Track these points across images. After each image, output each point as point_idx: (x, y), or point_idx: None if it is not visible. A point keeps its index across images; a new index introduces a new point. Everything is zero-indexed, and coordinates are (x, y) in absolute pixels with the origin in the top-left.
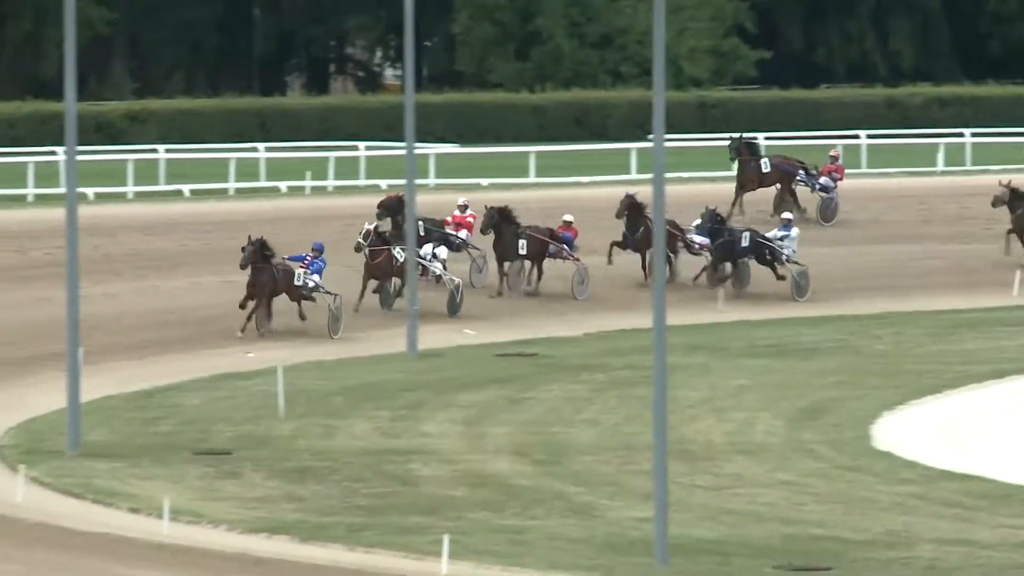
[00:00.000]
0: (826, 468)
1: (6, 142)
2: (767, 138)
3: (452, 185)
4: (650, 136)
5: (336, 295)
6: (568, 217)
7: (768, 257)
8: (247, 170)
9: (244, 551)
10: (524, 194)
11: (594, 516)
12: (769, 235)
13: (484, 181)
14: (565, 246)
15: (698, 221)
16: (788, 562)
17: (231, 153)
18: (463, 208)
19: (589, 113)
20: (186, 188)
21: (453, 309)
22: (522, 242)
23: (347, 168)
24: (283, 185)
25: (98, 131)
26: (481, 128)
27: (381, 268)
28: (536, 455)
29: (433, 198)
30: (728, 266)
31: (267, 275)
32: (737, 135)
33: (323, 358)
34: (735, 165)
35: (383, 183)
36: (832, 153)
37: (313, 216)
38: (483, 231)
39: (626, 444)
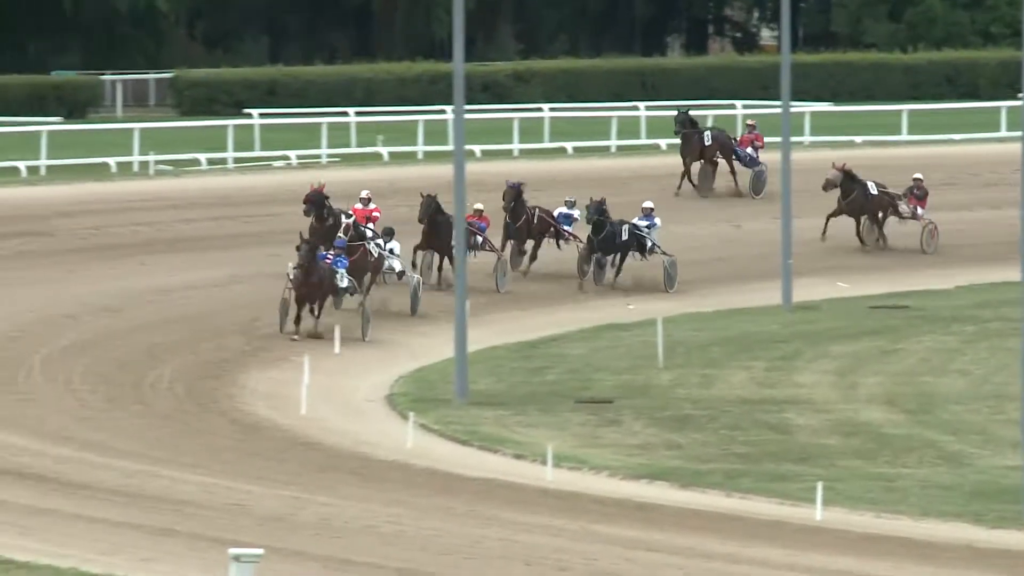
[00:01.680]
0: None
1: (398, 101)
2: None
3: (826, 143)
4: (1020, 95)
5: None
6: (479, 205)
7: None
8: (628, 128)
9: (625, 497)
10: (896, 151)
11: (964, 464)
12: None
13: (858, 139)
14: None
15: (562, 208)
16: None
17: (613, 112)
18: (366, 201)
19: (960, 73)
20: (569, 146)
21: (414, 307)
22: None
23: (724, 126)
24: (663, 143)
25: (485, 90)
26: (854, 87)
27: (356, 264)
28: (907, 404)
29: (809, 155)
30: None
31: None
32: (683, 109)
33: (700, 310)
34: (679, 139)
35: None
36: (749, 122)
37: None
38: (420, 220)
39: (996, 394)
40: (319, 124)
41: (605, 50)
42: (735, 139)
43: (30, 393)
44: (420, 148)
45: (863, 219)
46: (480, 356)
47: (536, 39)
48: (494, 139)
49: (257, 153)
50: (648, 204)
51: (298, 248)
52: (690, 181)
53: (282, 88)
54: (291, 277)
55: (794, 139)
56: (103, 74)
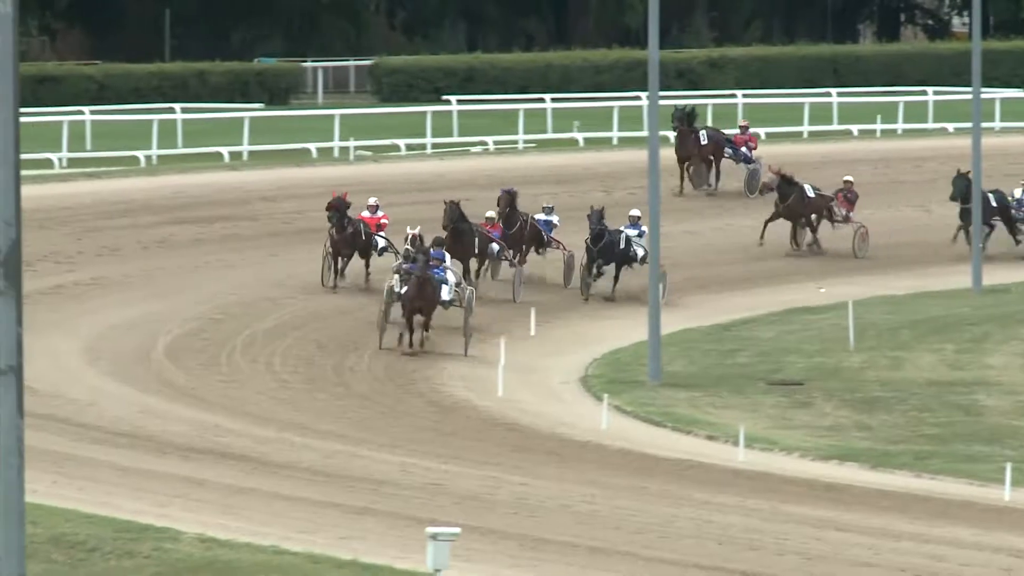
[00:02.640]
0: None
1: (593, 88)
2: None
3: (1017, 128)
4: None
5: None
6: (490, 213)
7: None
8: (820, 114)
9: (815, 477)
10: None
11: None
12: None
13: None
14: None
15: (540, 215)
16: None
17: (805, 98)
18: (374, 209)
19: None
20: (762, 131)
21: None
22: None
23: (916, 112)
24: (855, 128)
25: (679, 77)
26: None
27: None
28: None
29: (999, 140)
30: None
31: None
32: (681, 105)
33: (891, 293)
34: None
35: (950, 126)
36: (742, 124)
37: (884, 158)
38: (444, 227)
39: None
40: (516, 110)
41: (798, 37)
42: (731, 139)
43: (232, 375)
44: (615, 134)
45: (801, 222)
46: (673, 339)
47: (730, 26)
48: None
49: (455, 139)
50: (635, 212)
51: (408, 258)
52: (690, 179)
53: (479, 75)
54: (396, 289)
55: (985, 125)
56: (304, 61)
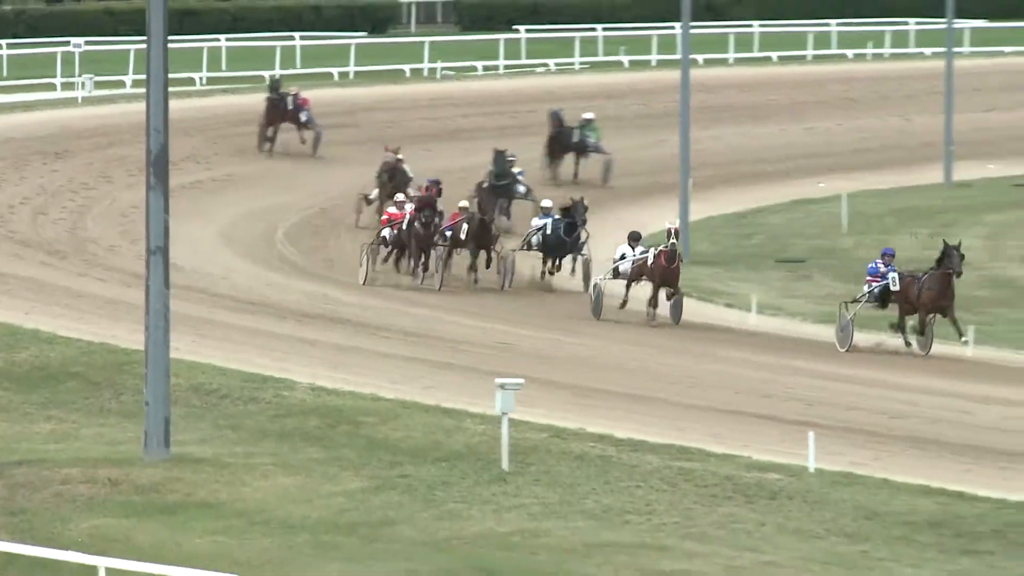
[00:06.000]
0: None
1: (639, 19)
2: None
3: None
4: None
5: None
6: (463, 203)
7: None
8: (822, 40)
9: (813, 337)
10: None
11: None
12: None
13: None
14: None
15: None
16: None
17: (809, 28)
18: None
19: None
20: (775, 55)
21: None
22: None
23: (900, 39)
24: (850, 52)
25: (708, 10)
26: None
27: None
28: None
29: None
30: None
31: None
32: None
33: (877, 187)
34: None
35: (927, 51)
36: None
37: (874, 76)
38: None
39: None
40: (572, 38)
41: None
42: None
43: (339, 255)
44: (654, 56)
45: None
46: (699, 225)
47: None
48: (713, 49)
49: (523, 61)
50: (547, 203)
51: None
52: (263, 145)
53: (543, 8)
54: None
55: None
56: None
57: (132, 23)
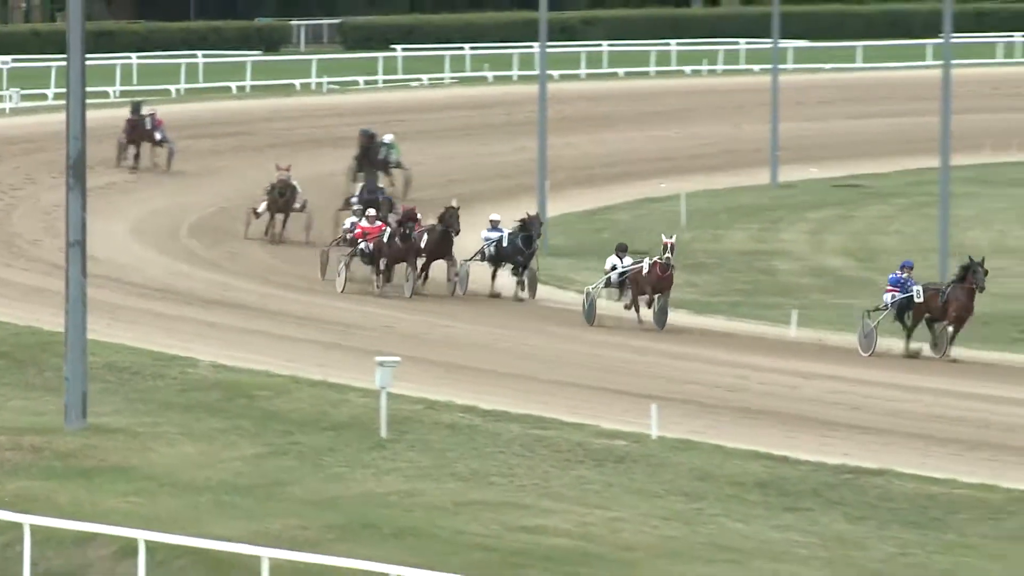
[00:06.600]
0: None
1: (500, 39)
2: None
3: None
4: None
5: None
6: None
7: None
8: (663, 58)
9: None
10: None
11: None
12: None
13: None
14: None
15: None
16: None
17: (651, 47)
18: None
19: None
20: (621, 71)
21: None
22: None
23: (731, 57)
24: (687, 69)
25: (562, 32)
26: None
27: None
28: (859, 255)
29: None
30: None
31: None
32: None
33: (711, 187)
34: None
35: (756, 67)
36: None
37: (701, 91)
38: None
39: (922, 247)
40: (444, 56)
41: (648, 3)
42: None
43: (238, 247)
44: (515, 72)
45: None
46: (556, 220)
47: None
48: (567, 66)
49: (400, 76)
50: (495, 216)
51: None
52: (121, 160)
53: (418, 29)
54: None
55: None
56: (291, 20)
57: (55, 43)
